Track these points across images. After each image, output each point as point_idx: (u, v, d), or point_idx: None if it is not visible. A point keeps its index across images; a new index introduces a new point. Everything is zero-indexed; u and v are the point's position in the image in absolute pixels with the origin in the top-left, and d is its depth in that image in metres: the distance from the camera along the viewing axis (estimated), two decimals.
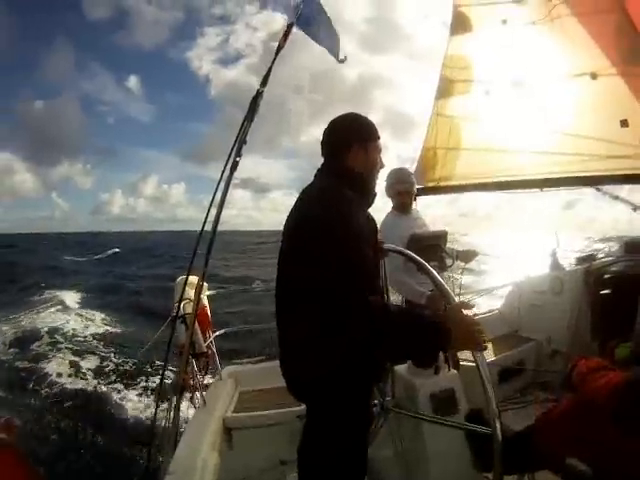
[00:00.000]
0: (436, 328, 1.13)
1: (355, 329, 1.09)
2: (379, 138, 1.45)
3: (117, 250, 38.71)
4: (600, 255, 3.63)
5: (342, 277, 1.12)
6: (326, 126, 1.45)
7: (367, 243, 1.24)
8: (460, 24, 3.96)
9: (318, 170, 1.44)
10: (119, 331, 11.05)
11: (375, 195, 1.48)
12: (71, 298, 15.70)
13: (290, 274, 1.29)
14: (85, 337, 10.40)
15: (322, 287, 1.14)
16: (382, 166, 1.47)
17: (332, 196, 1.27)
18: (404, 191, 2.67)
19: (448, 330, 1.11)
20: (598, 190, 3.40)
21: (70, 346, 9.47)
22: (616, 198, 3.41)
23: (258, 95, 1.96)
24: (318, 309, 1.16)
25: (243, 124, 1.96)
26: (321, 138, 1.45)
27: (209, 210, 2.05)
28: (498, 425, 1.11)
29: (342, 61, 2.41)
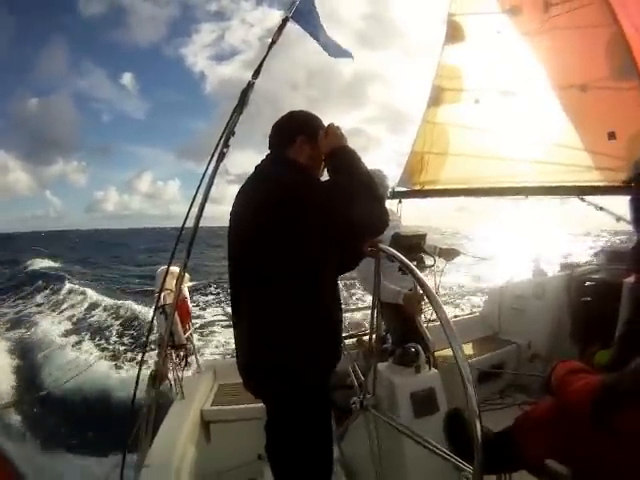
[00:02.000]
0: None
1: None
2: None
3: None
4: (582, 262, 3.68)
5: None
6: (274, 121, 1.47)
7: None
8: (453, 34, 4.01)
9: (263, 161, 1.45)
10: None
11: None
12: None
13: (272, 252, 1.25)
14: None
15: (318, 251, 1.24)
16: None
17: (293, 170, 1.34)
18: None
19: None
20: (582, 200, 3.46)
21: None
22: (600, 209, 3.47)
23: (249, 87, 1.94)
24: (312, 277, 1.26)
25: (232, 115, 1.94)
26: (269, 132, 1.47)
27: (193, 200, 2.00)
28: (478, 424, 1.10)
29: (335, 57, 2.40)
